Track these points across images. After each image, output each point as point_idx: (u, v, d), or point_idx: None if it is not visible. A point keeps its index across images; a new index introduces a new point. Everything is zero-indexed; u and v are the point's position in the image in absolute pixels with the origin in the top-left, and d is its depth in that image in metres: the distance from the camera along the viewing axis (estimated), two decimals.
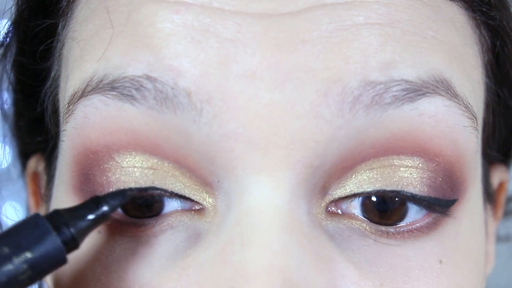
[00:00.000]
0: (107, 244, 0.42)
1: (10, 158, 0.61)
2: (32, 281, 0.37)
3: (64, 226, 0.38)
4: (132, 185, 0.41)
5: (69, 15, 0.45)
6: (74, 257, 0.43)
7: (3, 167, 0.60)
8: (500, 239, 0.67)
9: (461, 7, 0.44)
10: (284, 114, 0.38)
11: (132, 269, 0.41)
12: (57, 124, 0.48)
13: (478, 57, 0.45)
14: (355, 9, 0.39)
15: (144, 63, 0.39)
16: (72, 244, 0.38)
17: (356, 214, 0.41)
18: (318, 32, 0.39)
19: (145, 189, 0.41)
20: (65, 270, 0.44)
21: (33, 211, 0.58)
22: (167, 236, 0.41)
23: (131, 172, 0.41)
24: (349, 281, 0.40)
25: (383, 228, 0.41)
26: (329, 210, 0.41)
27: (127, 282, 0.41)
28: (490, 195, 0.54)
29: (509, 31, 0.47)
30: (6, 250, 0.36)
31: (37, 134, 0.52)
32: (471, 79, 0.43)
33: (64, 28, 0.46)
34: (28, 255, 0.36)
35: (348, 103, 0.38)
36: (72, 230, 0.38)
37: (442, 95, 0.40)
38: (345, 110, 0.39)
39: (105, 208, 0.39)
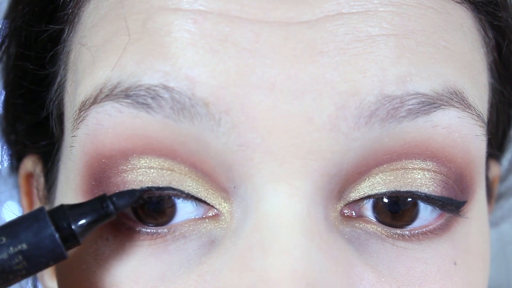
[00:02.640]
0: (116, 253, 0.41)
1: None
2: (29, 272, 0.38)
3: (65, 221, 0.39)
4: (150, 185, 0.40)
5: (76, 20, 0.44)
6: (79, 263, 0.42)
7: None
8: None
9: (468, 9, 0.44)
10: (302, 125, 0.38)
11: (143, 278, 0.41)
12: (61, 128, 0.47)
13: (484, 60, 0.45)
14: (370, 19, 0.39)
15: (160, 72, 0.39)
16: (73, 240, 0.39)
17: (369, 217, 0.42)
18: (335, 44, 0.39)
19: (162, 189, 0.41)
20: (70, 279, 0.43)
21: (26, 211, 0.58)
22: (178, 246, 0.41)
23: (148, 172, 0.40)
24: (367, 284, 0.40)
25: (398, 231, 0.41)
26: (344, 213, 0.41)
27: None
28: (489, 191, 0.55)
29: None
30: (3, 239, 0.38)
31: (39, 138, 0.51)
32: (478, 86, 0.44)
33: (70, 34, 0.45)
34: (24, 246, 0.38)
35: (364, 117, 0.39)
36: (73, 226, 0.39)
37: (456, 107, 0.41)
38: (361, 123, 0.39)
39: (110, 207, 0.39)
